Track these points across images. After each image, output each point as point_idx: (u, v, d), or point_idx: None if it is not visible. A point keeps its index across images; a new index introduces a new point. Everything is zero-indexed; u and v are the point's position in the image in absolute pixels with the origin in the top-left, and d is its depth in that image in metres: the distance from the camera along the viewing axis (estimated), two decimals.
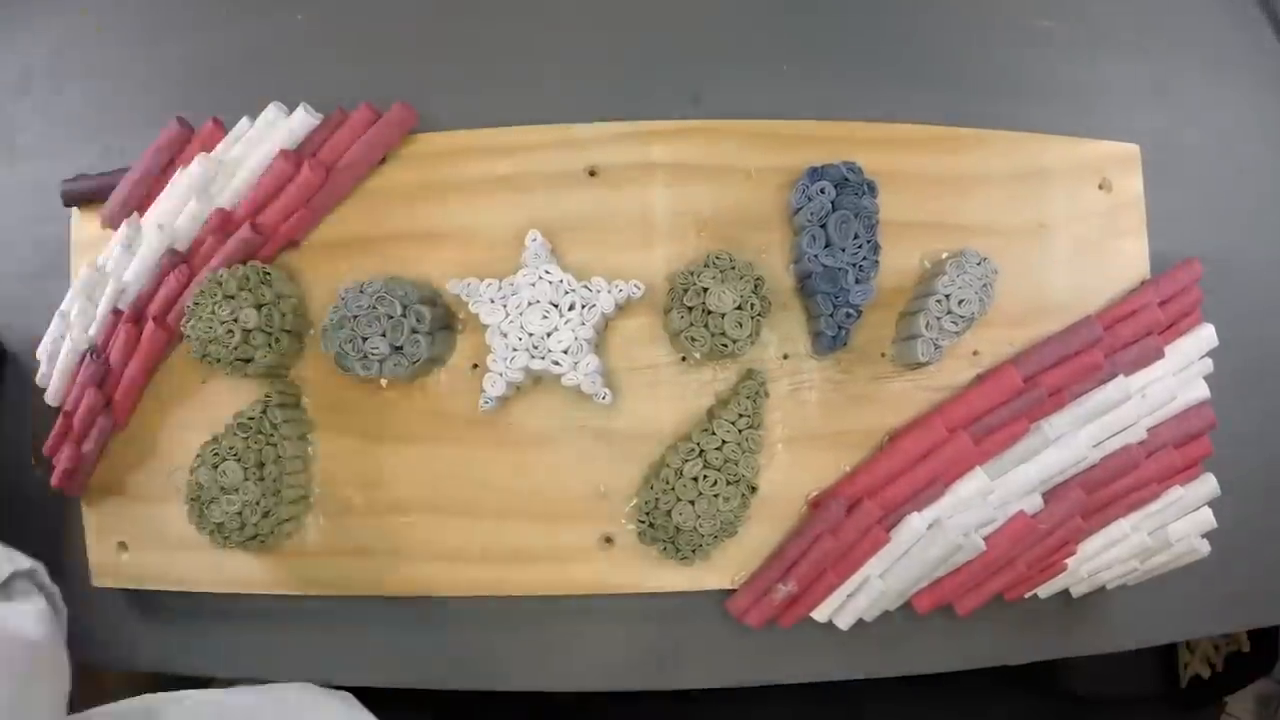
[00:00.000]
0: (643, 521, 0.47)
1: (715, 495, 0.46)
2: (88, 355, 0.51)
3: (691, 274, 0.46)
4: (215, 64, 0.54)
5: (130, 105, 0.53)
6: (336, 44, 0.53)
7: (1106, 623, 0.53)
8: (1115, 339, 0.49)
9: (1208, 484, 0.50)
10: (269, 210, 0.50)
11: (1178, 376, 0.49)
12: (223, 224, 0.50)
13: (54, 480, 0.51)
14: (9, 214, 0.55)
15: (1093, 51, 0.49)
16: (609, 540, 0.50)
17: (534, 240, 0.47)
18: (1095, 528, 0.50)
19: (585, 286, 0.47)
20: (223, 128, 0.51)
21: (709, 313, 0.45)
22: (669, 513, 0.46)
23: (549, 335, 0.46)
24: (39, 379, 0.52)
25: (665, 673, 0.51)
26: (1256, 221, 0.53)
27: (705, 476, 0.46)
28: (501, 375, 0.47)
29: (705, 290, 0.45)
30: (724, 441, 0.47)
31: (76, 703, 0.38)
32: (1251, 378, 0.53)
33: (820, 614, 0.50)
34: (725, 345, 0.46)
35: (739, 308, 0.45)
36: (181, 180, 0.50)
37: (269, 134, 0.50)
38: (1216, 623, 0.55)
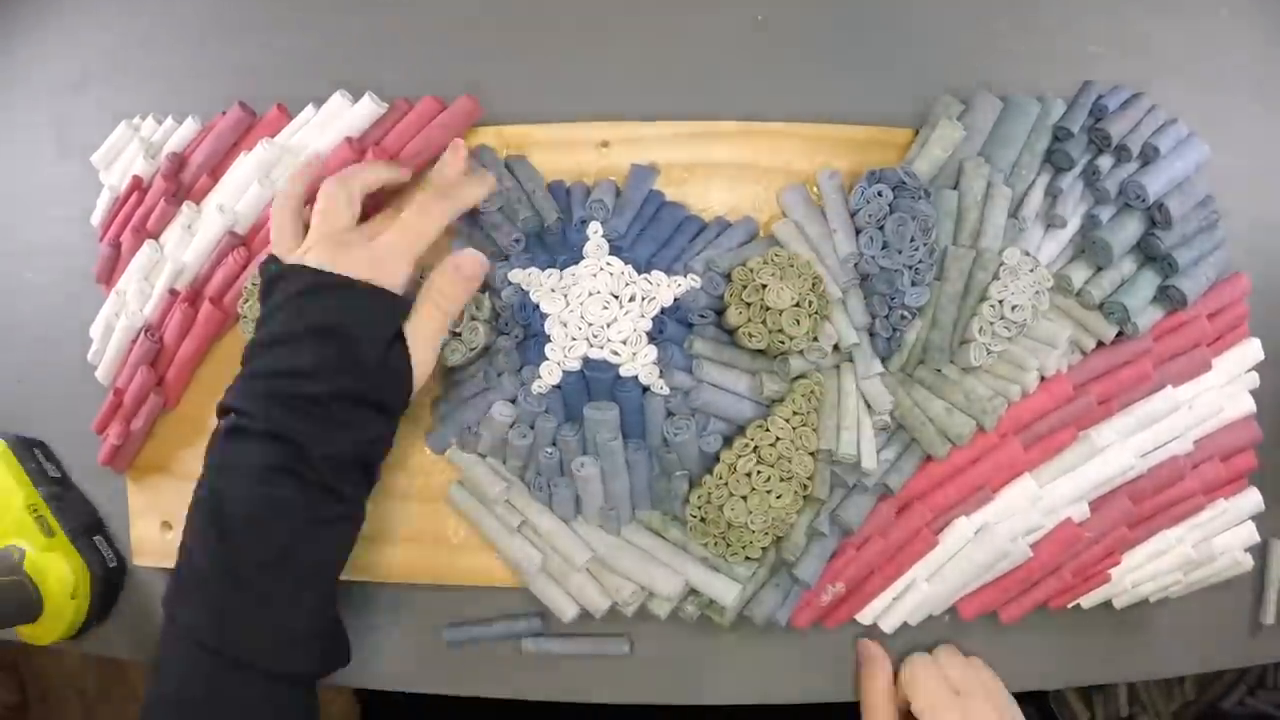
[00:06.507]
0: (694, 516, 0.47)
1: (768, 491, 0.46)
2: (141, 334, 0.51)
3: (751, 270, 0.47)
4: (274, 64, 0.54)
5: (185, 104, 0.54)
6: (401, 40, 0.53)
7: (1154, 646, 0.53)
8: (1164, 350, 0.49)
9: (1251, 498, 0.51)
10: None
11: (1224, 389, 0.50)
12: None
13: (101, 457, 0.51)
14: (60, 208, 0.55)
15: (1141, 79, 0.50)
16: None
17: (596, 232, 0.48)
18: (1141, 538, 0.50)
19: (645, 279, 0.47)
20: (287, 114, 0.52)
21: (767, 309, 0.46)
22: (721, 508, 0.46)
23: (608, 325, 0.47)
24: (91, 356, 0.52)
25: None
26: None
27: (758, 472, 0.46)
28: (559, 364, 0.47)
29: (764, 287, 0.46)
30: (778, 438, 0.47)
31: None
32: None
33: (865, 616, 0.50)
34: (782, 342, 0.46)
35: (797, 305, 0.46)
36: (244, 164, 0.51)
37: (333, 121, 0.51)
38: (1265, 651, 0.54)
